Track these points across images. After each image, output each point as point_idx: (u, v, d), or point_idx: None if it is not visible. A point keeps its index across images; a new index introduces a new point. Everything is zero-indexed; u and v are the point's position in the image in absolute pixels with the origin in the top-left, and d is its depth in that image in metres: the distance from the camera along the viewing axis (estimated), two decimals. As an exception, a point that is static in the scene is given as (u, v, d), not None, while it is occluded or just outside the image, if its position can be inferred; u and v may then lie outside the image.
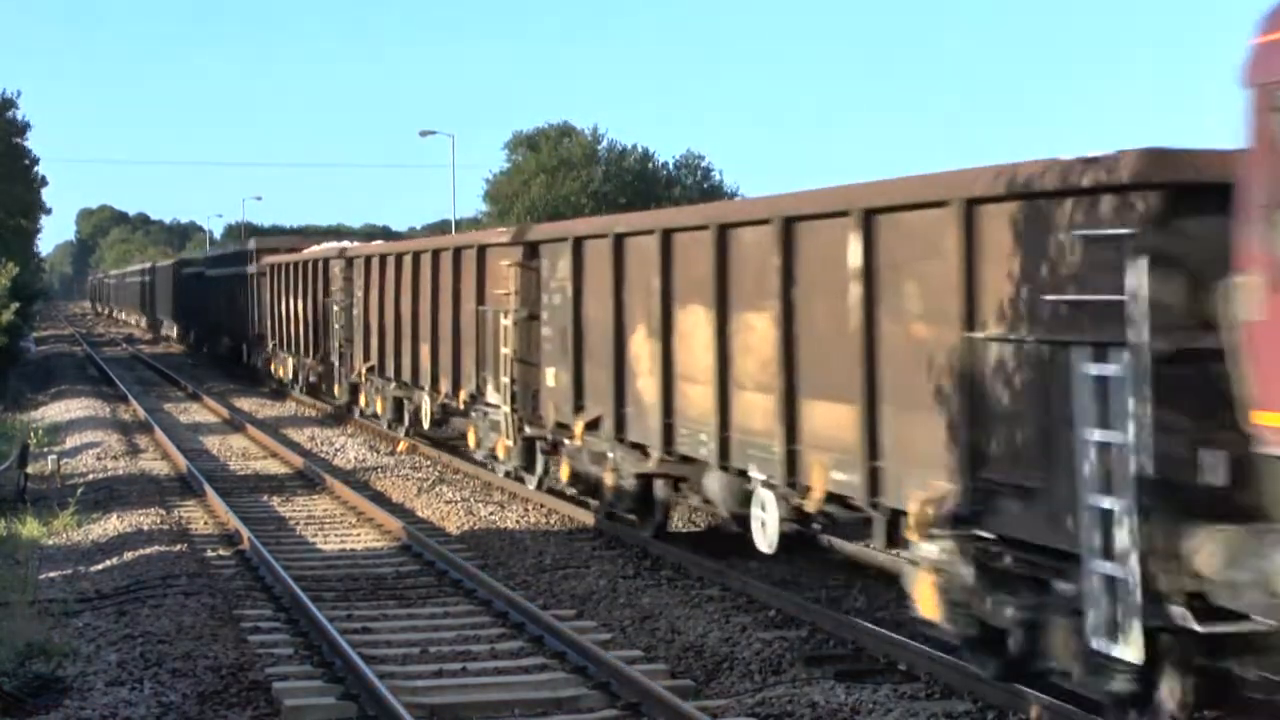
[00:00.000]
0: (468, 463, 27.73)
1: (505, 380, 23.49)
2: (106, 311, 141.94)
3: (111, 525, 22.34)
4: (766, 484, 15.87)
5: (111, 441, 33.62)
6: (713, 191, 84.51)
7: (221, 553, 20.19)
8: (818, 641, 14.63)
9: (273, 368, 47.98)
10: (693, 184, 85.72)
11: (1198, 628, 10.04)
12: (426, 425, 30.69)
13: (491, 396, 24.69)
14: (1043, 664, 11.60)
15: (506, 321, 23.41)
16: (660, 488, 19.47)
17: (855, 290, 13.87)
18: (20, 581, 17.79)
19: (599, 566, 18.72)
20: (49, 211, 75.58)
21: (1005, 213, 11.86)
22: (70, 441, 34.03)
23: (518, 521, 22.15)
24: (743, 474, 16.49)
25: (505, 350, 23.49)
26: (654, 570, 18.40)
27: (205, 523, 22.85)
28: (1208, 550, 9.94)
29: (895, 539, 13.61)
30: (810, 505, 14.98)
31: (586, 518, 21.62)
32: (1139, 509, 10.24)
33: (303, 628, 15.49)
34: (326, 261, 39.99)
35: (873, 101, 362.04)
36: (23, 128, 65.14)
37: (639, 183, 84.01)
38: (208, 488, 25.12)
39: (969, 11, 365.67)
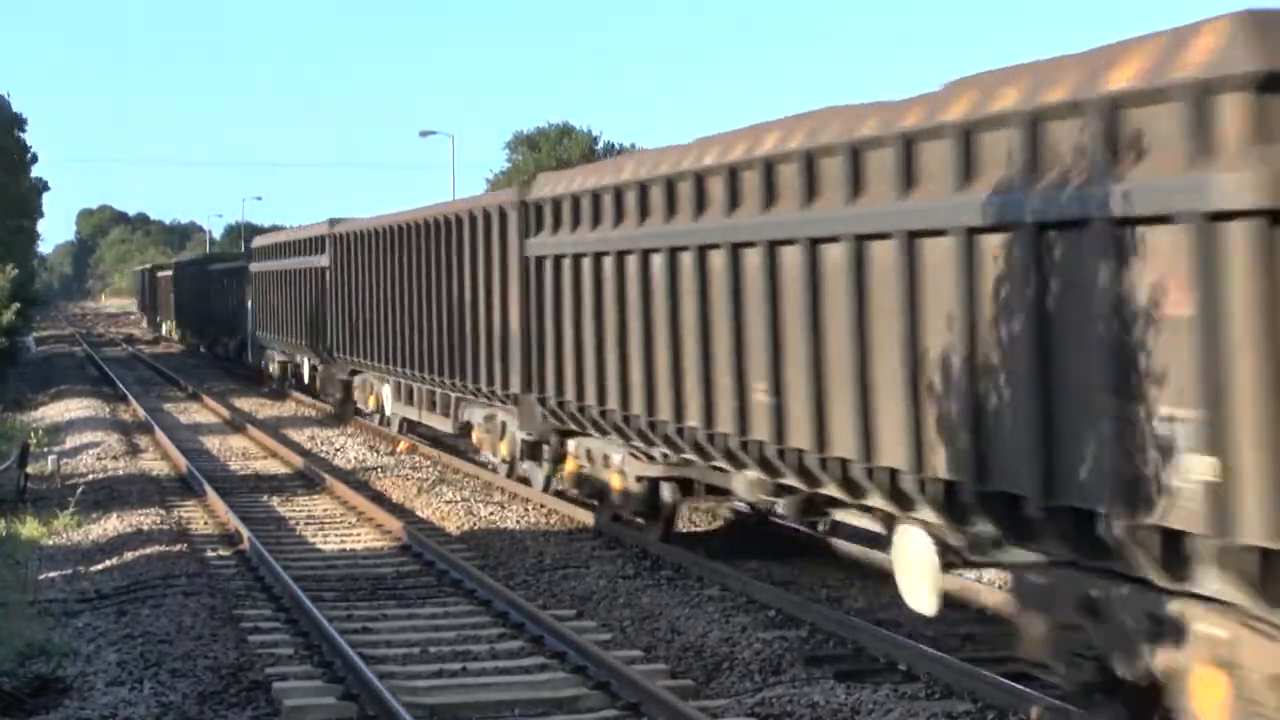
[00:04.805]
0: (467, 462, 27.67)
1: None
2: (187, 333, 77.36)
3: (111, 525, 22.34)
4: None
5: (111, 441, 33.62)
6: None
7: (221, 553, 20.19)
8: (818, 641, 14.62)
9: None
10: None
11: None
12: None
13: None
14: None
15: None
16: None
17: None
18: (20, 581, 17.80)
19: (599, 567, 18.71)
20: (41, 213, 75.39)
21: None
22: (70, 441, 34.02)
23: (518, 521, 22.13)
24: None
25: None
26: (654, 570, 18.38)
27: (205, 523, 22.85)
28: None
29: None
30: None
31: (586, 518, 21.58)
32: None
33: (303, 628, 15.48)
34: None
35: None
36: (19, 121, 64.89)
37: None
38: (208, 488, 25.12)
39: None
